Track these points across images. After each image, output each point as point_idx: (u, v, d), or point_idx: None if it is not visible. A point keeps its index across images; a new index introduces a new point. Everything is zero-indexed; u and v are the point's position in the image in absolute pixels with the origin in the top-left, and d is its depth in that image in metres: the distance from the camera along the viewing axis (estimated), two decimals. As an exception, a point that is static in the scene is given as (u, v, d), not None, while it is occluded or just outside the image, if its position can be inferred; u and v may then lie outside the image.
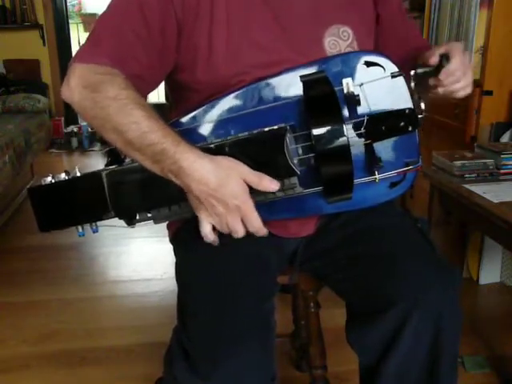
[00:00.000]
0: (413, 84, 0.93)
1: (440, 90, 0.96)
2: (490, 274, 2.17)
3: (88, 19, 5.84)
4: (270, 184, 0.84)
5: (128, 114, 0.83)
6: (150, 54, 0.92)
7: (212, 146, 0.87)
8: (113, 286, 2.24)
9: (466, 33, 2.01)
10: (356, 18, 1.02)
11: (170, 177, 0.84)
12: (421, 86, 0.95)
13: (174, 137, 0.83)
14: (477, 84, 1.96)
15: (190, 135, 0.93)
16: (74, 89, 0.87)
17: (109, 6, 0.94)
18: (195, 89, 0.99)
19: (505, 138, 1.94)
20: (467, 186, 1.56)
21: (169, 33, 0.93)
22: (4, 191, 2.66)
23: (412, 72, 0.94)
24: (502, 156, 1.64)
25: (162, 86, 1.06)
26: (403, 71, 0.93)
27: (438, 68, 0.93)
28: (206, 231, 0.87)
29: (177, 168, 0.82)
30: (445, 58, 0.93)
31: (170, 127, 0.85)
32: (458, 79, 0.95)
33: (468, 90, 0.98)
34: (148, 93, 1.00)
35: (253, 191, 0.84)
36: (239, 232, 0.85)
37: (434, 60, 0.93)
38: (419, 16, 2.41)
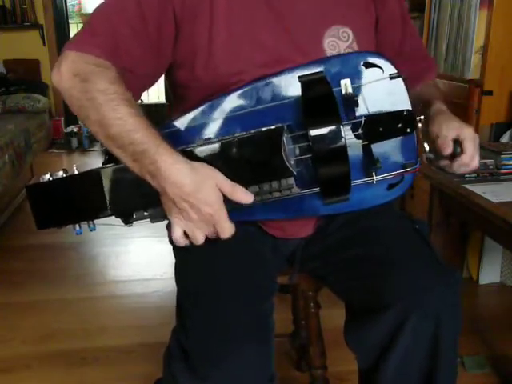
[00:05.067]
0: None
1: (448, 170, 1.00)
2: (489, 273, 2.17)
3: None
4: (243, 196, 0.84)
5: (114, 110, 0.83)
6: (144, 50, 0.92)
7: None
8: (113, 286, 2.25)
9: (465, 33, 2.00)
10: (357, 20, 1.01)
11: (147, 177, 0.83)
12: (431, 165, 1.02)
13: (156, 138, 0.83)
14: (477, 84, 1.96)
15: (188, 135, 0.93)
16: (64, 75, 0.87)
17: None
18: (194, 87, 0.98)
19: (505, 138, 1.93)
20: (467, 186, 1.55)
21: (166, 30, 0.93)
22: (4, 191, 2.66)
23: (424, 158, 1.00)
24: (502, 156, 1.64)
25: (162, 85, 1.05)
26: None
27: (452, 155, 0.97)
28: (177, 235, 0.86)
29: (154, 169, 0.81)
30: (457, 146, 0.96)
31: (153, 128, 0.84)
32: (468, 166, 0.98)
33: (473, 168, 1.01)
34: (142, 89, 0.99)
35: (227, 199, 0.84)
36: (199, 240, 0.85)
37: (449, 151, 0.96)
38: (419, 16, 2.40)
